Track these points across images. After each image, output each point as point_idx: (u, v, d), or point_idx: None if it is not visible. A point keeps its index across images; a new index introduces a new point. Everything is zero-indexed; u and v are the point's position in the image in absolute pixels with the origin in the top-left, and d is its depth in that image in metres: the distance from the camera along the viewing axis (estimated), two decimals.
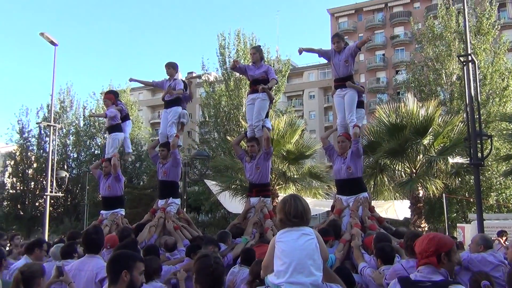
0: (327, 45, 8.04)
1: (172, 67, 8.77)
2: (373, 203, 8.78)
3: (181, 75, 29.22)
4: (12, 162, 37.93)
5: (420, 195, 15.24)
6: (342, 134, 7.23)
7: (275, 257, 2.95)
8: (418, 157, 15.09)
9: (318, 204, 16.14)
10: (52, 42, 18.71)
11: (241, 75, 28.16)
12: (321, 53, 7.74)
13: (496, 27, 26.25)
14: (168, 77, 8.86)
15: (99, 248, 4.63)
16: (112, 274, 3.30)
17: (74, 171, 37.96)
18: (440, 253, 2.98)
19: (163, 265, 5.22)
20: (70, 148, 38.85)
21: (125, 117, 9.89)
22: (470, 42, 15.35)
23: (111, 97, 9.66)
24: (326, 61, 7.91)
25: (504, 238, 10.97)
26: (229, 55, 30.40)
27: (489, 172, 21.88)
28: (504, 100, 24.28)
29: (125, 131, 9.72)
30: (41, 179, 35.55)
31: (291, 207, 3.24)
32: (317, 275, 2.94)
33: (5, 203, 38.44)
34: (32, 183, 37.64)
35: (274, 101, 8.64)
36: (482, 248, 5.28)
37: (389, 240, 5.30)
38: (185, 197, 17.37)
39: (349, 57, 7.27)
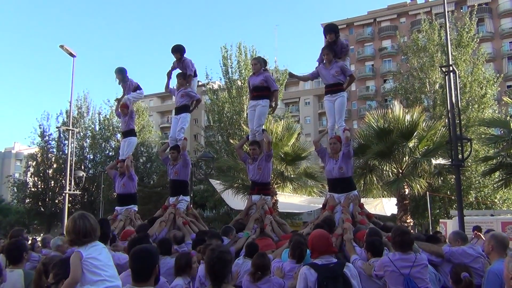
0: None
1: (182, 77, 8.77)
2: (363, 200, 8.79)
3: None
4: (34, 163, 37.89)
5: (406, 193, 15.25)
6: (334, 136, 7.18)
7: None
8: (404, 158, 15.11)
9: (313, 201, 16.16)
10: (70, 54, 18.62)
11: (242, 84, 28.36)
12: (311, 78, 7.86)
13: (475, 40, 26.27)
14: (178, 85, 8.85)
15: (107, 239, 4.50)
16: (146, 269, 2.89)
17: (90, 171, 37.85)
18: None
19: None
20: (87, 150, 38.74)
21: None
22: (451, 54, 15.39)
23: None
24: None
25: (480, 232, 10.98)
26: (231, 65, 30.39)
27: (469, 172, 21.87)
28: (482, 106, 24.27)
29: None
30: (60, 179, 35.50)
31: (80, 227, 3.07)
32: None
33: (27, 201, 38.38)
34: (52, 182, 37.54)
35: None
36: (460, 242, 5.31)
37: (380, 235, 5.30)
38: (191, 194, 17.38)
39: (339, 72, 7.29)
